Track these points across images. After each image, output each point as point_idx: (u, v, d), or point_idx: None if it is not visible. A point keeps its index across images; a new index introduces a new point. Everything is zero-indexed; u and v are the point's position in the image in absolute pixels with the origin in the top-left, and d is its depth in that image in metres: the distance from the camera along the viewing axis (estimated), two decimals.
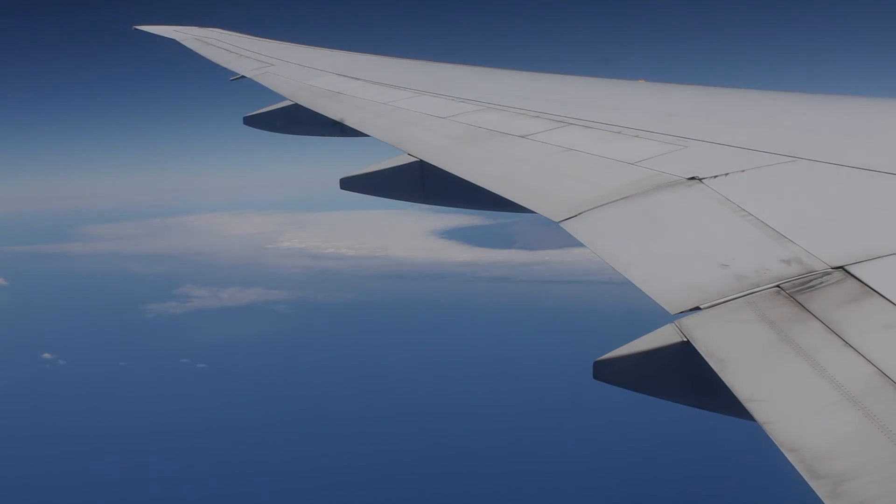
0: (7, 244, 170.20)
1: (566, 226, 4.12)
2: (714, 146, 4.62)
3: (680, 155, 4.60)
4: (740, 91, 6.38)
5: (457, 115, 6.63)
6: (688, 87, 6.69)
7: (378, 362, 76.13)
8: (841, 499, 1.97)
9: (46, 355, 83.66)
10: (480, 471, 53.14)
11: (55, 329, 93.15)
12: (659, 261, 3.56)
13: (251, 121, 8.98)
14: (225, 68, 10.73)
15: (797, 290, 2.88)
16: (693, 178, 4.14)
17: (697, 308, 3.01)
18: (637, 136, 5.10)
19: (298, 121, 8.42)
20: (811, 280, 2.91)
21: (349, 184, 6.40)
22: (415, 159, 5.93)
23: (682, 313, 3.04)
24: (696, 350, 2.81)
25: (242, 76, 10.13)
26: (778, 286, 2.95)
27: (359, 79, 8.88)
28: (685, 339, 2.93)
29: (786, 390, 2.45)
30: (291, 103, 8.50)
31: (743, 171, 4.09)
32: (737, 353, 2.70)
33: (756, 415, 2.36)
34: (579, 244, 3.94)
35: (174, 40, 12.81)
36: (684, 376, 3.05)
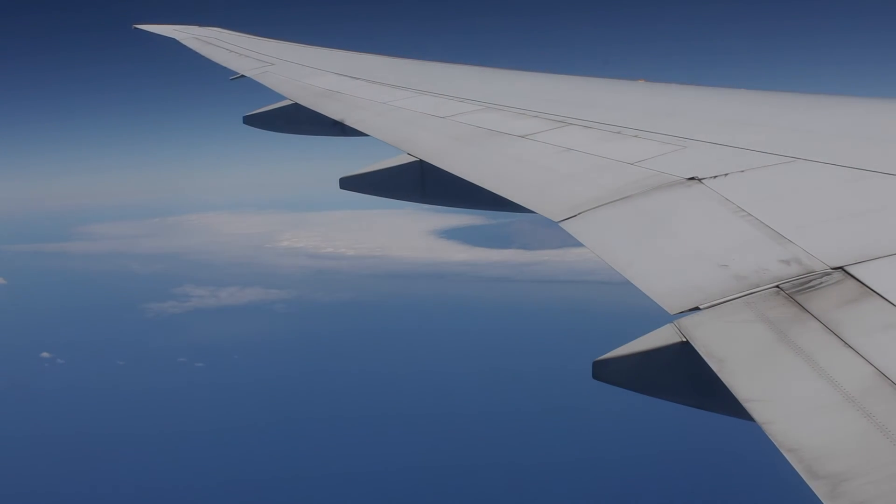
0: (6, 243, 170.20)
1: (565, 226, 4.13)
2: (714, 146, 4.63)
3: (679, 155, 4.60)
4: (740, 91, 6.38)
5: (456, 115, 6.64)
6: (687, 87, 6.69)
7: (377, 362, 76.13)
8: (840, 499, 1.97)
9: (45, 354, 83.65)
10: (479, 470, 53.13)
11: (54, 328, 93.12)
12: (658, 261, 3.56)
13: (251, 120, 8.98)
14: (225, 67, 10.73)
15: (796, 290, 2.88)
16: (693, 179, 4.15)
17: (697, 308, 3.02)
18: (637, 137, 5.10)
19: (298, 120, 8.42)
20: (810, 280, 2.91)
21: (349, 183, 6.40)
22: (414, 159, 5.94)
23: (682, 313, 3.04)
24: (695, 350, 2.81)
25: (242, 75, 10.13)
26: (777, 286, 2.95)
27: (358, 78, 8.88)
28: (684, 340, 2.93)
29: (785, 390, 2.45)
30: (291, 103, 8.50)
31: (742, 171, 4.09)
32: (736, 354, 2.70)
33: (755, 415, 2.36)
34: (578, 244, 3.94)
35: (174, 39, 12.81)
36: (683, 376, 3.05)
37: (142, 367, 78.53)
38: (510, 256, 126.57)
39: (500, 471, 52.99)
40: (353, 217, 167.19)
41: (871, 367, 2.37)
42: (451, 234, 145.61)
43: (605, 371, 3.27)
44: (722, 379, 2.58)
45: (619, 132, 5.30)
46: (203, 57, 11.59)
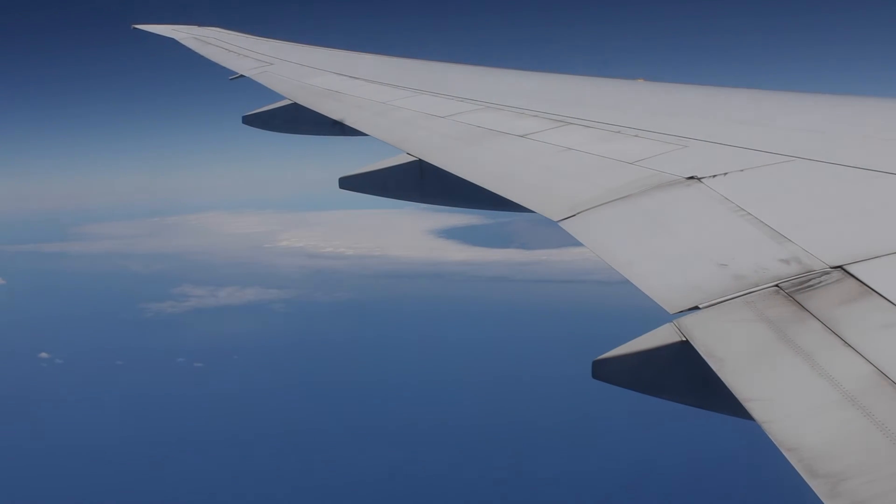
0: (5, 243, 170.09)
1: (565, 225, 4.13)
2: (713, 146, 4.63)
3: (679, 154, 4.60)
4: (739, 91, 6.39)
5: (456, 115, 6.63)
6: (687, 86, 6.69)
7: (375, 361, 76.14)
8: (839, 498, 1.97)
9: (43, 354, 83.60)
10: (477, 469, 53.15)
11: (53, 328, 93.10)
12: (658, 260, 3.56)
13: (250, 120, 8.98)
14: (224, 67, 10.72)
15: (796, 289, 2.88)
16: (692, 178, 4.15)
17: (696, 307, 3.02)
18: (636, 136, 5.10)
19: (297, 120, 8.41)
20: (810, 279, 2.91)
21: (348, 183, 6.40)
22: (414, 159, 5.93)
23: (681, 313, 3.04)
24: (694, 349, 2.81)
25: (241, 75, 10.13)
26: (777, 286, 2.95)
27: (358, 78, 8.88)
28: (684, 339, 2.93)
29: (784, 390, 2.46)
30: (290, 102, 8.49)
31: (742, 170, 4.09)
32: (735, 353, 2.70)
33: (755, 414, 2.36)
34: (578, 243, 3.94)
35: (173, 39, 12.80)
36: (683, 376, 3.05)
37: (140, 367, 78.51)
38: (509, 256, 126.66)
39: (499, 470, 52.99)
40: (353, 217, 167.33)
41: (870, 366, 2.37)
42: (450, 233, 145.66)
43: (605, 370, 3.27)
44: (721, 378, 2.59)
45: (618, 131, 5.30)
46: (202, 57, 11.59)
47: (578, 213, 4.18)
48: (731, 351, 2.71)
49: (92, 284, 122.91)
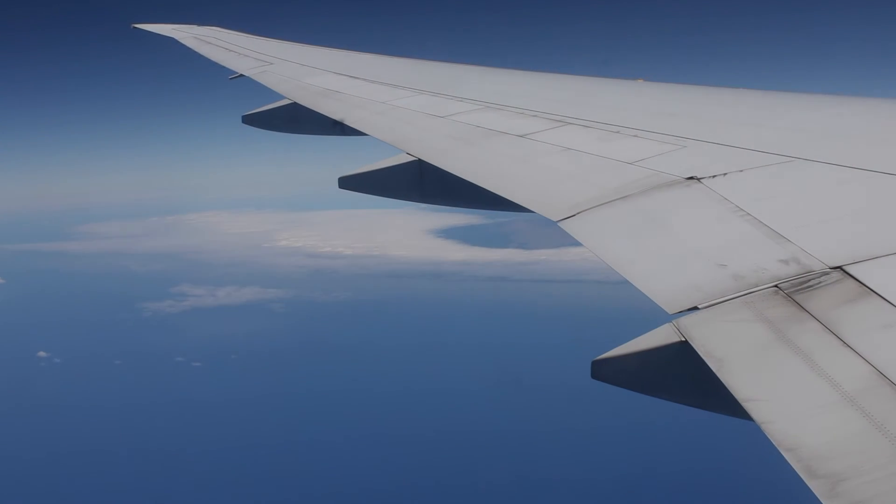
0: (5, 242, 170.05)
1: (564, 225, 4.13)
2: (712, 146, 4.63)
3: (678, 155, 4.61)
4: (739, 91, 6.39)
5: (456, 115, 6.63)
6: (686, 86, 6.69)
7: (374, 361, 76.10)
8: (839, 498, 1.97)
9: (42, 353, 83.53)
10: (477, 469, 53.15)
11: (51, 327, 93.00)
12: (657, 260, 3.57)
13: (250, 119, 8.98)
14: (224, 67, 10.72)
15: (795, 289, 2.89)
16: (691, 178, 4.15)
17: (695, 308, 3.02)
18: (636, 136, 5.11)
19: (297, 120, 8.41)
20: (809, 280, 2.91)
21: (347, 183, 6.40)
22: (413, 158, 5.94)
23: (681, 313, 3.04)
24: (694, 350, 2.81)
25: (241, 75, 10.12)
26: (776, 286, 2.95)
27: (358, 78, 8.88)
28: (683, 339, 2.93)
29: (784, 390, 2.46)
30: (290, 102, 8.49)
31: (741, 171, 4.10)
32: (735, 353, 2.70)
33: (754, 414, 2.37)
34: (577, 243, 3.94)
35: (173, 39, 12.80)
36: (682, 376, 3.05)
37: (139, 366, 78.44)
38: (508, 256, 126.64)
39: (499, 470, 52.99)
40: (352, 216, 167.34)
41: (869, 366, 2.38)
42: (449, 233, 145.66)
43: (604, 370, 3.27)
44: (721, 378, 2.59)
45: (618, 132, 5.31)
46: (202, 56, 11.58)
47: (578, 214, 4.18)
48: (730, 351, 2.71)
49: (91, 284, 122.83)
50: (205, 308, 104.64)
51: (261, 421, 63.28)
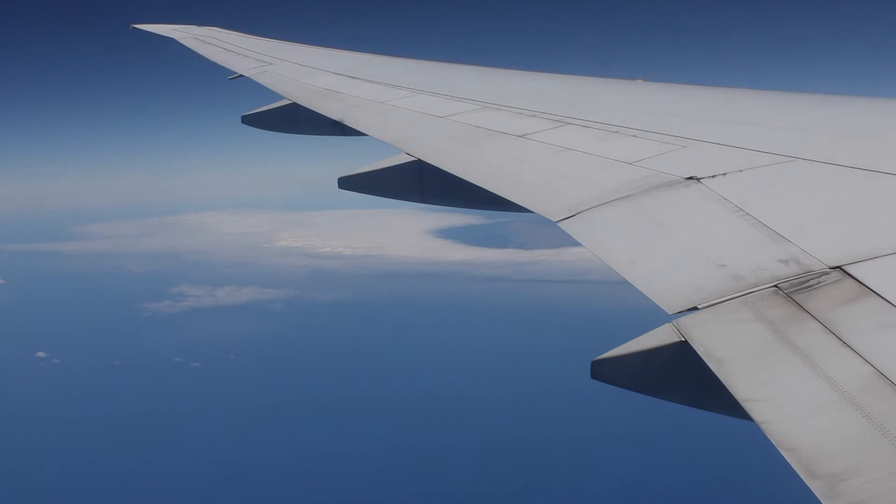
0: (4, 243, 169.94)
1: (564, 225, 4.13)
2: (712, 146, 4.63)
3: (678, 155, 4.60)
4: (738, 91, 6.39)
5: (455, 115, 6.63)
6: (686, 86, 6.70)
7: (373, 362, 76.09)
8: (838, 498, 1.97)
9: (40, 354, 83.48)
10: (476, 470, 53.15)
11: (50, 328, 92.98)
12: (657, 260, 3.57)
13: (249, 120, 8.98)
14: (223, 67, 10.71)
15: (795, 289, 2.89)
16: (691, 178, 4.15)
17: (695, 308, 3.02)
18: (635, 136, 5.11)
19: (297, 120, 8.41)
20: (809, 280, 2.91)
21: (347, 183, 6.40)
22: (413, 159, 5.93)
23: (680, 313, 3.04)
24: (693, 350, 2.81)
25: (241, 75, 10.12)
26: (775, 286, 2.95)
27: (357, 78, 8.87)
28: (683, 339, 2.93)
29: (783, 390, 2.46)
30: (290, 102, 8.49)
31: (741, 170, 4.10)
32: (734, 353, 2.70)
33: (754, 414, 2.37)
34: (576, 243, 3.94)
35: (172, 39, 12.79)
36: (682, 376, 3.05)
37: (138, 366, 78.43)
38: (508, 256, 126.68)
39: (498, 470, 52.99)
40: (351, 217, 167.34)
41: (869, 366, 2.37)
42: (448, 233, 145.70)
43: (604, 371, 3.27)
44: (720, 378, 2.59)
45: (617, 132, 5.31)
46: (201, 56, 11.58)
47: (577, 214, 4.18)
48: (729, 351, 2.71)
49: (90, 284, 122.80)
50: (204, 308, 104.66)
51: (260, 421, 63.27)
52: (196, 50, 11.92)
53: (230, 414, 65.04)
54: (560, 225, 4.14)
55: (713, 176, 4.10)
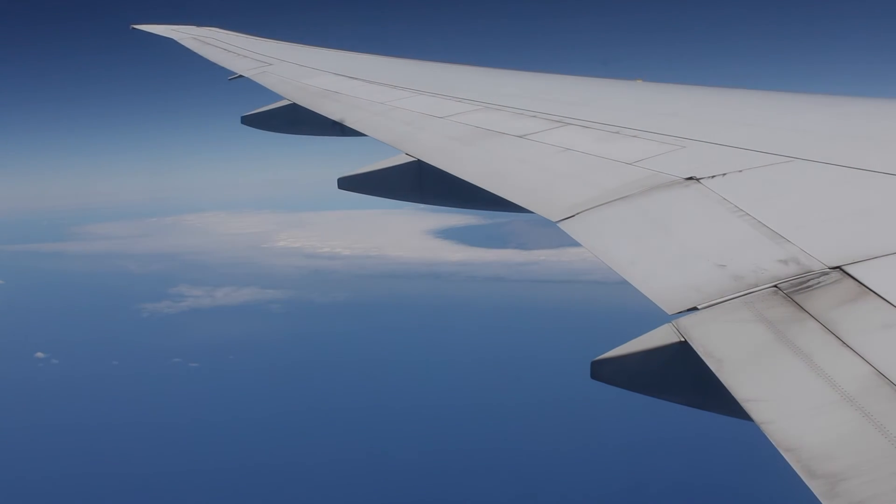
0: (3, 243, 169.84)
1: (564, 226, 4.13)
2: (712, 146, 4.63)
3: (678, 155, 4.61)
4: (738, 91, 6.39)
5: (455, 115, 6.64)
6: (685, 87, 6.70)
7: (373, 362, 76.07)
8: (838, 498, 1.97)
9: (39, 354, 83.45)
10: (476, 470, 53.14)
11: (49, 328, 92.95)
12: (656, 261, 3.57)
13: (249, 120, 8.98)
14: (223, 68, 10.72)
15: (794, 290, 2.89)
16: (691, 179, 4.15)
17: (695, 308, 3.02)
18: (635, 136, 5.11)
19: (296, 120, 8.42)
20: (808, 280, 2.91)
21: (347, 183, 6.40)
22: (413, 159, 5.94)
23: (680, 313, 3.04)
24: (693, 350, 2.81)
25: (240, 76, 10.12)
26: (775, 286, 2.95)
27: (357, 78, 8.88)
28: (683, 339, 2.93)
29: (783, 390, 2.46)
30: (289, 103, 8.49)
31: (741, 171, 4.10)
32: (734, 353, 2.70)
33: (753, 415, 2.37)
34: (575, 244, 3.94)
35: (172, 39, 12.80)
36: (682, 376, 3.06)
37: (136, 367, 78.40)
38: (507, 256, 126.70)
39: (497, 471, 52.99)
40: (351, 217, 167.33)
41: (869, 366, 2.38)
42: (448, 233, 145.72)
43: (604, 371, 3.27)
44: (720, 379, 2.59)
45: (617, 132, 5.31)
46: (201, 57, 11.58)
47: (577, 214, 4.18)
48: (729, 351, 2.71)
49: (89, 284, 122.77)
50: (203, 309, 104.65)
51: (258, 422, 63.24)
52: (196, 50, 11.92)
53: (229, 414, 65.02)
54: (560, 225, 4.15)
55: (713, 176, 4.11)
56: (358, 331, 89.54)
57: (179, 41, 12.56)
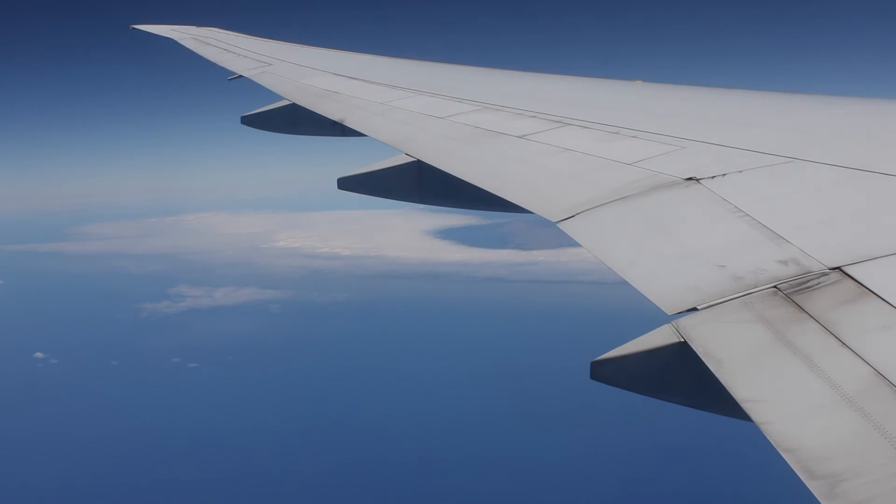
0: (3, 243, 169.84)
1: (563, 226, 4.13)
2: (712, 147, 4.63)
3: (677, 155, 4.61)
4: (738, 91, 6.39)
5: (455, 115, 6.64)
6: (685, 87, 6.70)
7: (372, 362, 76.05)
8: (837, 499, 1.97)
9: (38, 354, 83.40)
10: (475, 471, 53.13)
11: (49, 328, 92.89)
12: (656, 261, 3.57)
13: (249, 120, 8.99)
14: (223, 68, 10.72)
15: (794, 290, 2.89)
16: (690, 179, 4.15)
17: (694, 308, 3.02)
18: (634, 137, 5.11)
19: (296, 120, 8.42)
20: (808, 281, 2.92)
21: (347, 183, 6.40)
22: (412, 159, 5.94)
23: (680, 314, 3.04)
24: (693, 350, 2.82)
25: (240, 76, 10.12)
26: (775, 287, 2.95)
27: (357, 79, 8.88)
28: (682, 340, 2.93)
29: (783, 391, 2.46)
30: (289, 103, 8.50)
31: (740, 171, 4.10)
32: (734, 354, 2.70)
33: (753, 415, 2.37)
34: (575, 244, 3.94)
35: (172, 39, 12.80)
36: (682, 377, 3.06)
37: (135, 367, 78.32)
38: (507, 257, 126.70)
39: (497, 472, 52.98)
40: (350, 217, 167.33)
41: (868, 367, 2.38)
42: (447, 234, 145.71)
43: (604, 371, 3.27)
44: (720, 379, 2.59)
45: (616, 132, 5.31)
46: (201, 57, 11.58)
47: (577, 214, 4.18)
48: (729, 352, 2.71)
49: (88, 284, 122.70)
50: (202, 309, 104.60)
51: (257, 422, 63.21)
52: (195, 50, 11.92)
53: (228, 415, 64.97)
54: (559, 226, 4.15)
55: (713, 177, 4.11)
56: (357, 331, 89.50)
57: (179, 41, 12.56)
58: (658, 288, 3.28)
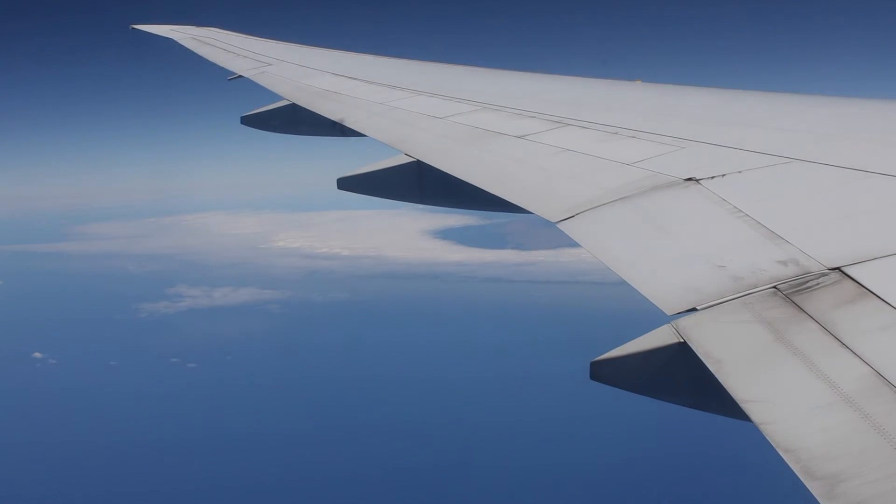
0: (1, 243, 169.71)
1: (563, 226, 4.13)
2: (711, 147, 4.64)
3: (677, 156, 4.61)
4: (737, 92, 6.40)
5: (454, 116, 6.64)
6: (684, 87, 6.70)
7: (371, 362, 76.01)
8: (837, 499, 1.97)
9: (37, 354, 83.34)
10: (475, 471, 53.12)
11: (47, 328, 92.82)
12: (656, 262, 3.57)
13: (248, 120, 8.99)
14: (222, 68, 10.73)
15: (794, 291, 2.89)
16: (690, 179, 4.15)
17: (694, 309, 3.02)
18: (634, 137, 5.11)
19: (296, 121, 8.43)
20: (807, 281, 2.92)
21: (346, 184, 6.40)
22: (412, 159, 5.94)
23: (679, 314, 3.05)
24: (692, 351, 2.82)
25: (240, 76, 10.13)
26: (774, 287, 2.96)
27: (356, 79, 8.88)
28: (682, 340, 2.94)
29: (782, 391, 2.46)
30: (289, 103, 8.50)
31: (740, 172, 4.10)
32: (733, 354, 2.70)
33: (753, 415, 2.37)
34: (574, 244, 3.94)
35: (171, 39, 12.80)
36: (681, 377, 3.06)
37: (134, 367, 78.26)
38: (506, 257, 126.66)
39: (497, 472, 52.97)
40: (350, 217, 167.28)
41: (868, 367, 2.38)
42: (446, 234, 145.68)
43: (603, 372, 3.27)
44: (719, 379, 2.59)
45: (616, 133, 5.31)
46: (200, 57, 11.58)
47: (576, 215, 4.18)
48: (728, 352, 2.72)
49: (87, 284, 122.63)
50: (201, 309, 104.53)
51: (257, 422, 63.18)
52: (195, 50, 11.92)
53: (227, 415, 64.93)
54: (559, 226, 4.15)
55: (712, 177, 4.11)
56: (357, 331, 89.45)
57: (179, 41, 12.56)
58: (657, 288, 3.28)
